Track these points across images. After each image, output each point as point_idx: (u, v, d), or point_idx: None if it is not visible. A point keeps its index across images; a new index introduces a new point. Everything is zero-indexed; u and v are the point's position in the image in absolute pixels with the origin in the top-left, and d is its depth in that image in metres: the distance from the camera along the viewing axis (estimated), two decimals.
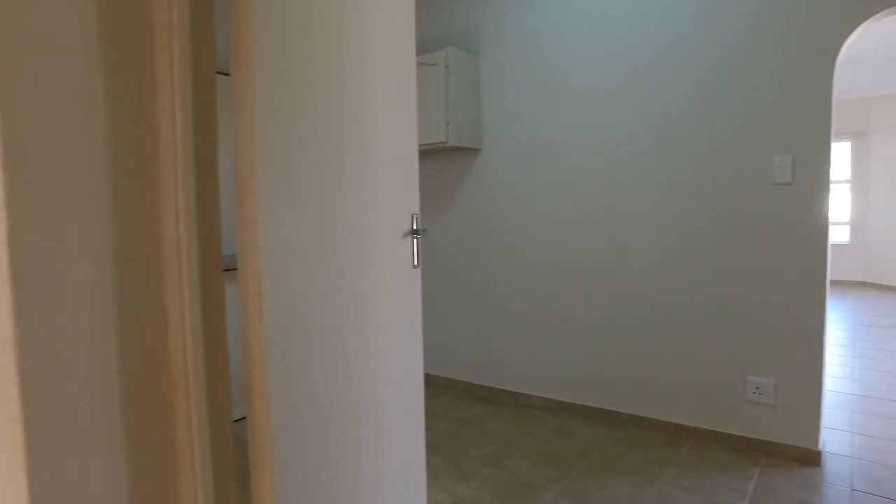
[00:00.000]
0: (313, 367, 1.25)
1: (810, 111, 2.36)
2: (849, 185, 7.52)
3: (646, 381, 2.86)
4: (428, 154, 3.62)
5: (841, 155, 7.55)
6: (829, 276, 2.40)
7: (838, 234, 7.63)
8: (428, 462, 2.59)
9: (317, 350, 1.25)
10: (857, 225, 7.44)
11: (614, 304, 2.93)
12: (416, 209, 1.52)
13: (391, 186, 1.44)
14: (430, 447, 2.75)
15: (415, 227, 1.50)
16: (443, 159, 3.59)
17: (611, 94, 2.89)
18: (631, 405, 2.92)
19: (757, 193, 2.50)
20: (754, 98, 2.48)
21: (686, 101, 2.66)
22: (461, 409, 3.30)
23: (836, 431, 2.76)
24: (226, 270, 2.91)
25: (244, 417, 3.09)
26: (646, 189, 2.80)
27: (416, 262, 1.50)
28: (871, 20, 2.26)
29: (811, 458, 2.42)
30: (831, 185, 2.34)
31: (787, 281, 2.44)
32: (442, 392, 3.61)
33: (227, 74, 3.16)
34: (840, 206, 7.60)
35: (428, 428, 3.01)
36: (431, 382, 3.75)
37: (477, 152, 3.42)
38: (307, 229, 1.22)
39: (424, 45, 3.58)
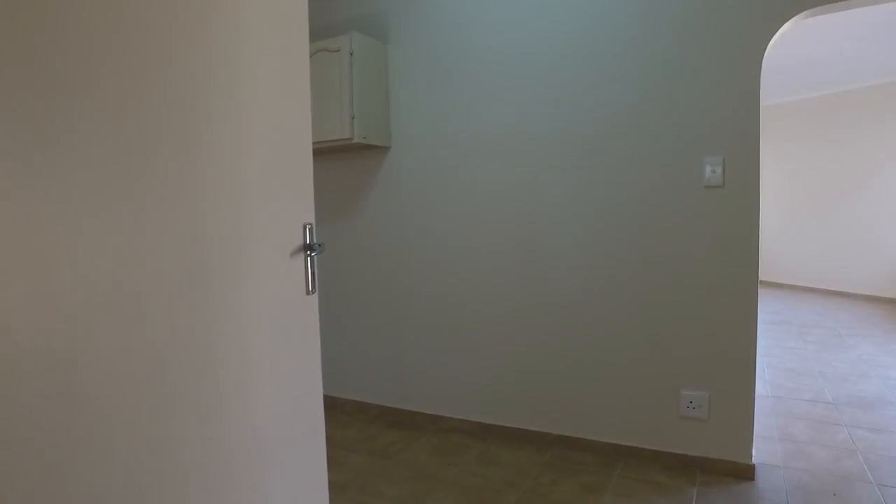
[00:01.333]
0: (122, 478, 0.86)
1: (739, 111, 2.24)
2: None
3: (574, 400, 2.66)
4: (331, 152, 3.24)
5: None
6: (758, 281, 2.30)
7: None
8: None
9: (132, 439, 0.86)
10: None
11: (538, 318, 2.71)
12: (311, 218, 1.16)
13: (272, 190, 1.08)
14: (338, 489, 2.38)
15: (308, 240, 1.14)
16: (347, 158, 3.22)
17: (532, 94, 2.66)
18: (558, 425, 2.71)
19: (688, 198, 2.36)
20: (683, 100, 2.34)
21: (614, 103, 2.48)
22: (374, 437, 2.94)
23: (762, 439, 2.70)
24: None
25: None
26: (571, 196, 2.59)
27: (310, 287, 1.15)
28: (794, 20, 2.18)
29: (745, 472, 2.31)
30: (759, 188, 2.24)
31: (718, 287, 2.32)
32: (352, 418, 3.23)
33: None
34: None
35: (336, 464, 2.62)
36: (340, 407, 3.36)
37: (385, 151, 3.08)
38: (112, 253, 0.83)
39: (325, 29, 3.19)
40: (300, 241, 1.13)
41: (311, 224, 1.16)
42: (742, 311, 2.28)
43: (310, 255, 1.13)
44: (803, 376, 3.69)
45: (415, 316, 3.06)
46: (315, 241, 1.16)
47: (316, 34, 3.21)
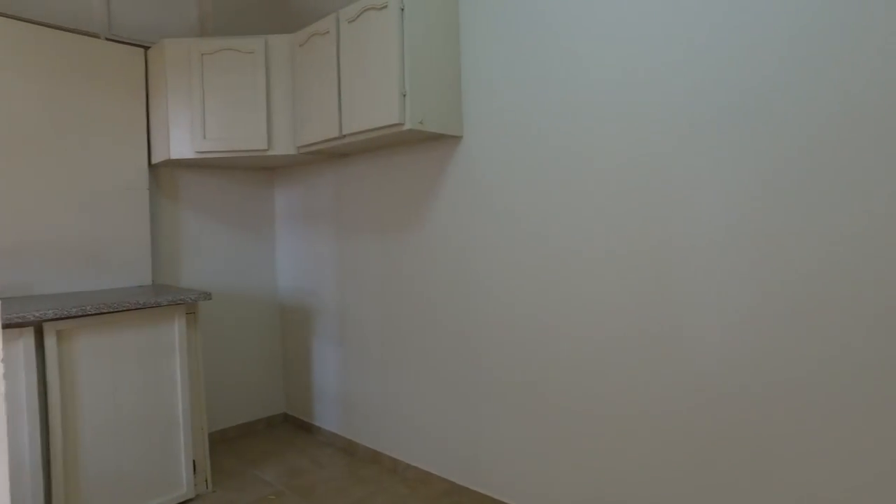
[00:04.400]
0: None
1: None
2: None
3: None
4: (378, 149, 2.52)
5: None
6: None
7: None
8: None
9: None
10: None
11: (675, 396, 1.73)
12: None
13: None
14: None
15: None
16: (399, 154, 2.48)
17: (675, 43, 1.71)
18: None
19: None
20: None
21: (804, 53, 1.46)
22: None
23: None
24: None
25: None
26: (729, 211, 1.60)
27: None
28: None
29: None
30: None
31: None
32: (411, 491, 2.46)
33: None
34: None
35: None
36: (401, 473, 2.61)
37: (454, 142, 2.29)
38: None
39: None
40: None
41: None
42: None
43: None
44: None
45: (489, 376, 2.22)
46: None
47: None
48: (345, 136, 2.28)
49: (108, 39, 2.61)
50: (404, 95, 2.04)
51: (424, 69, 2.09)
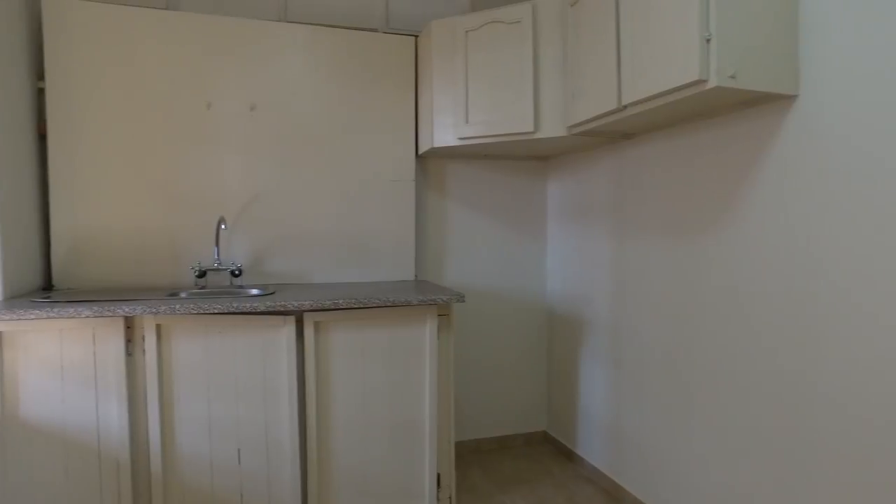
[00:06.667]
0: None
1: None
2: None
3: None
4: (667, 123, 1.91)
5: None
6: None
7: None
8: None
9: None
10: None
11: None
12: None
13: None
14: None
15: None
16: (700, 129, 1.83)
17: None
18: None
19: None
20: None
21: None
22: None
23: None
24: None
25: None
26: None
27: None
28: None
29: None
30: None
31: None
32: None
33: None
34: None
35: None
36: None
37: (784, 106, 1.57)
38: None
39: None
40: None
41: None
42: None
43: None
44: None
45: (846, 438, 1.47)
46: None
47: None
48: (625, 107, 1.79)
49: (385, 33, 2.62)
50: (708, 40, 1.45)
51: (740, 3, 1.46)
